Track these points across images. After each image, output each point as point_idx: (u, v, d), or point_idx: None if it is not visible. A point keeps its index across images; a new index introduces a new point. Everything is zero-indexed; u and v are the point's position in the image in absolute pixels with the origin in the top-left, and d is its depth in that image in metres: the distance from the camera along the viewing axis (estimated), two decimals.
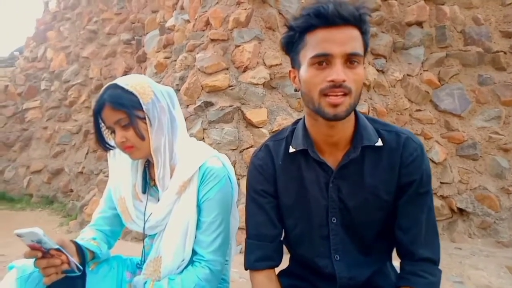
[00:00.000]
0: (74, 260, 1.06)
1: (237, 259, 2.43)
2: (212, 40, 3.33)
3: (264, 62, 3.25)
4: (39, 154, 5.95)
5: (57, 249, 1.01)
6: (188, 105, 3.28)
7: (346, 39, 0.83)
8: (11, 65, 6.83)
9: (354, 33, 0.85)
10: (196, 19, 3.61)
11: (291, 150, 1.00)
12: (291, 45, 0.91)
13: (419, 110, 3.95)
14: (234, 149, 3.02)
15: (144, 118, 1.18)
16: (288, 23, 0.91)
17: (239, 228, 3.04)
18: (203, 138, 3.06)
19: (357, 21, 0.85)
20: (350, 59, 0.84)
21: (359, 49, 0.85)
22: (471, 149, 3.80)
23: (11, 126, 6.17)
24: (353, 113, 0.93)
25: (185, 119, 3.26)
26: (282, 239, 1.10)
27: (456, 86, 3.93)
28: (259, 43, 3.27)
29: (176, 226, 1.22)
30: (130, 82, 1.19)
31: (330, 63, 0.84)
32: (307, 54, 0.86)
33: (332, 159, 0.96)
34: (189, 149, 1.28)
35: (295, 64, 0.93)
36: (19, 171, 5.98)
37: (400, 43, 3.99)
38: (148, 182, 1.32)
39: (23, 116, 6.14)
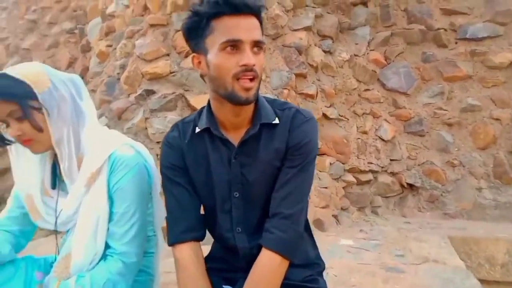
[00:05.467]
0: None
1: None
2: (151, 26, 3.20)
3: None
4: None
5: None
6: (129, 94, 3.16)
7: (252, 27, 0.93)
8: None
9: (256, 22, 0.95)
10: (134, 3, 3.46)
11: (197, 130, 1.07)
12: (196, 30, 0.97)
13: (367, 89, 4.00)
14: None
15: (41, 109, 1.11)
16: (192, 9, 0.96)
17: None
18: (146, 128, 2.96)
19: (257, 11, 0.95)
20: (256, 45, 0.94)
21: (262, 37, 0.95)
22: (417, 125, 3.91)
23: None
24: None
25: (126, 109, 3.15)
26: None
27: (402, 64, 4.01)
28: None
29: (86, 219, 1.18)
30: (22, 71, 1.12)
31: (239, 49, 0.92)
32: (216, 39, 0.93)
33: (235, 137, 1.04)
34: (98, 139, 1.22)
35: (200, 49, 0.98)
36: None
37: (346, 23, 4.00)
38: (58, 176, 1.25)
39: None
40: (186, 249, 1.04)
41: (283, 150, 1.02)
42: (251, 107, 1.02)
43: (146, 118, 2.98)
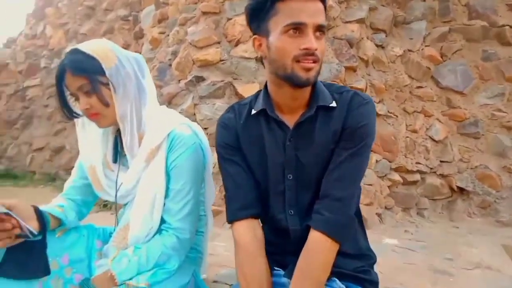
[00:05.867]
0: (27, 224, 1.05)
1: (223, 233, 2.42)
2: (204, 13, 3.24)
3: None
4: (41, 132, 5.99)
5: (6, 214, 1.00)
6: (179, 80, 3.22)
7: (316, 10, 0.92)
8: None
9: (321, 6, 0.94)
10: None
11: (253, 112, 1.07)
12: (259, 12, 0.95)
13: (420, 87, 3.81)
14: None
15: (108, 84, 1.15)
16: None
17: None
18: (194, 114, 3.01)
19: None
20: (319, 30, 0.93)
21: (325, 22, 0.94)
22: (472, 127, 3.68)
23: (12, 104, 6.21)
24: None
25: (177, 95, 3.21)
26: None
27: (459, 62, 3.78)
28: None
29: (144, 194, 1.22)
30: (92, 47, 1.17)
31: (302, 32, 0.91)
32: (279, 22, 0.92)
33: (291, 120, 1.03)
34: (158, 117, 1.26)
35: (262, 32, 0.97)
36: (22, 149, 6.04)
37: (401, 17, 3.84)
38: (119, 151, 1.30)
39: (24, 94, 6.15)
40: (243, 227, 1.04)
41: (339, 132, 0.99)
42: (308, 91, 1.01)
43: (195, 104, 3.02)
